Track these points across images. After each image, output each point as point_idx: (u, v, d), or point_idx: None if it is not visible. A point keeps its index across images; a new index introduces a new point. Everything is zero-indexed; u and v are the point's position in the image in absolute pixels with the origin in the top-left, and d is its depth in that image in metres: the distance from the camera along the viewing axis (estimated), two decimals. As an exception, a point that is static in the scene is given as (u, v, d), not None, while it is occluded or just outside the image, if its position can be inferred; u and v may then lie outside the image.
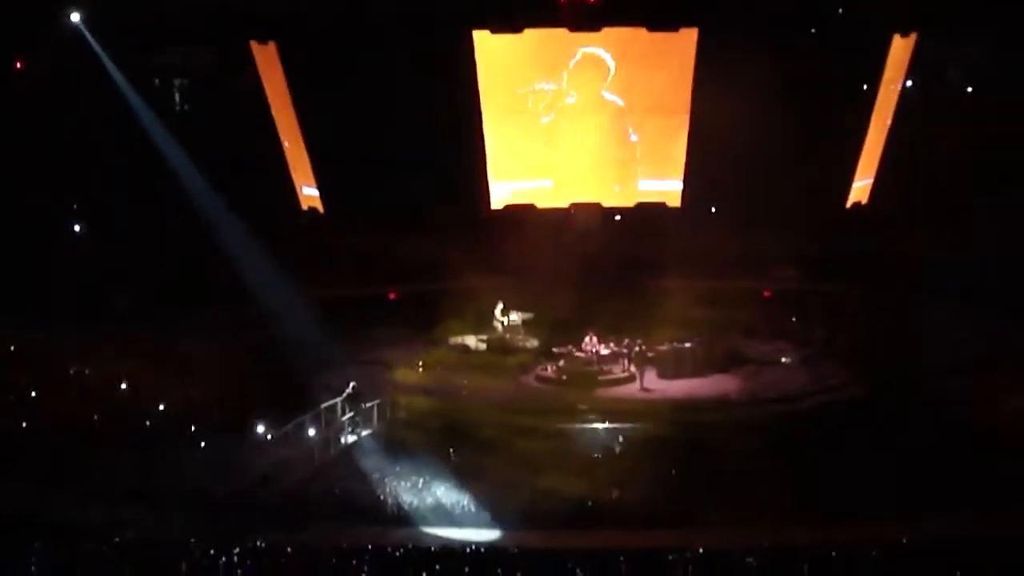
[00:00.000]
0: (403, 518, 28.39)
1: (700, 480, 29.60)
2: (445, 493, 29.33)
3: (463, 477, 29.93)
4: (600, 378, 40.22)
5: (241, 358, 39.41)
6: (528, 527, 27.72)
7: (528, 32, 41.13)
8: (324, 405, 33.66)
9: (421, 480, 29.84)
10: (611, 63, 41.91)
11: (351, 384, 34.64)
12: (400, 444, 32.51)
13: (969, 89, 45.06)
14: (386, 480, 29.90)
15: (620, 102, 42.58)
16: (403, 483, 29.73)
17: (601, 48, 41.67)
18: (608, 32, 41.22)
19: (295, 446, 32.04)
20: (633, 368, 40.27)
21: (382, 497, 29.21)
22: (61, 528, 25.27)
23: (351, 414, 34.20)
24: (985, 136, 41.51)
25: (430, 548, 25.35)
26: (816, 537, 25.40)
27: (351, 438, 33.85)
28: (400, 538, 26.57)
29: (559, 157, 43.35)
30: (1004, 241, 41.26)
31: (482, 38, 40.82)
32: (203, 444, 31.88)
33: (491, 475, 30.14)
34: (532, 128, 43.06)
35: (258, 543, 23.74)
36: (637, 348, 40.12)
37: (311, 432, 32.79)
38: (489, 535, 27.53)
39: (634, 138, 43.30)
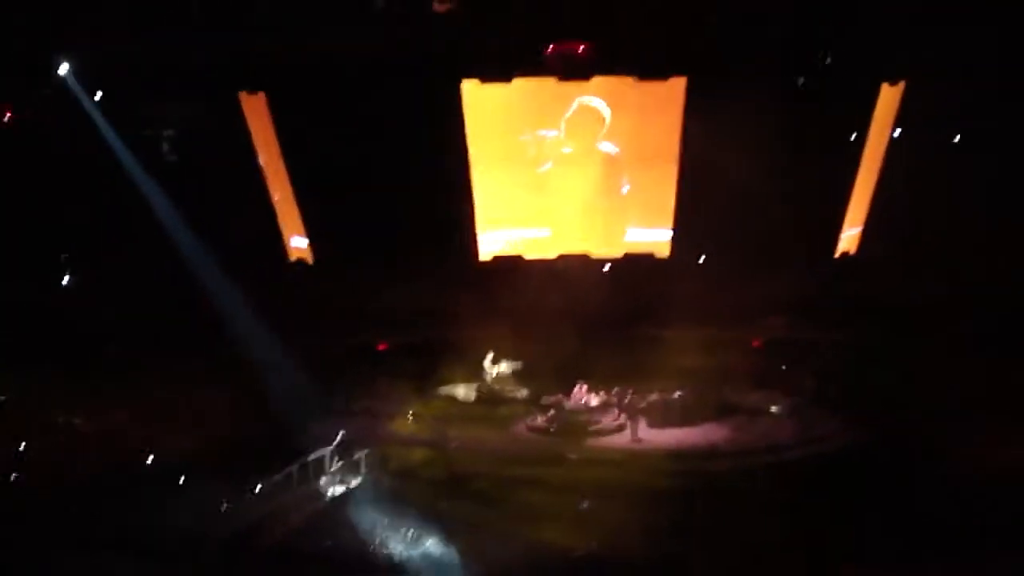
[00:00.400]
0: (393, 570, 28.23)
1: (690, 530, 29.47)
2: (435, 545, 29.17)
3: (453, 529, 29.79)
4: (590, 428, 40.12)
5: (230, 408, 39.25)
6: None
7: (518, 82, 41.07)
8: (312, 456, 33.51)
9: (411, 532, 29.68)
10: (606, 113, 41.88)
11: (340, 434, 34.51)
12: (389, 495, 32.35)
13: (958, 138, 45.07)
14: (375, 531, 29.75)
15: (614, 152, 42.51)
16: (392, 535, 29.59)
17: (596, 97, 41.61)
18: (601, 82, 41.20)
19: (283, 497, 31.85)
20: (623, 418, 40.23)
21: (371, 549, 29.07)
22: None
23: (339, 464, 34.05)
24: (974, 184, 41.53)
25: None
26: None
27: (339, 489, 33.67)
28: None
29: (549, 207, 43.32)
30: (994, 287, 41.37)
31: (472, 87, 40.77)
32: (191, 494, 31.64)
33: (482, 526, 30.03)
34: (523, 178, 43.03)
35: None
36: (629, 398, 40.03)
37: (299, 483, 32.64)
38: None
39: (625, 188, 43.26)
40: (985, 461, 32.36)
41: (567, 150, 42.60)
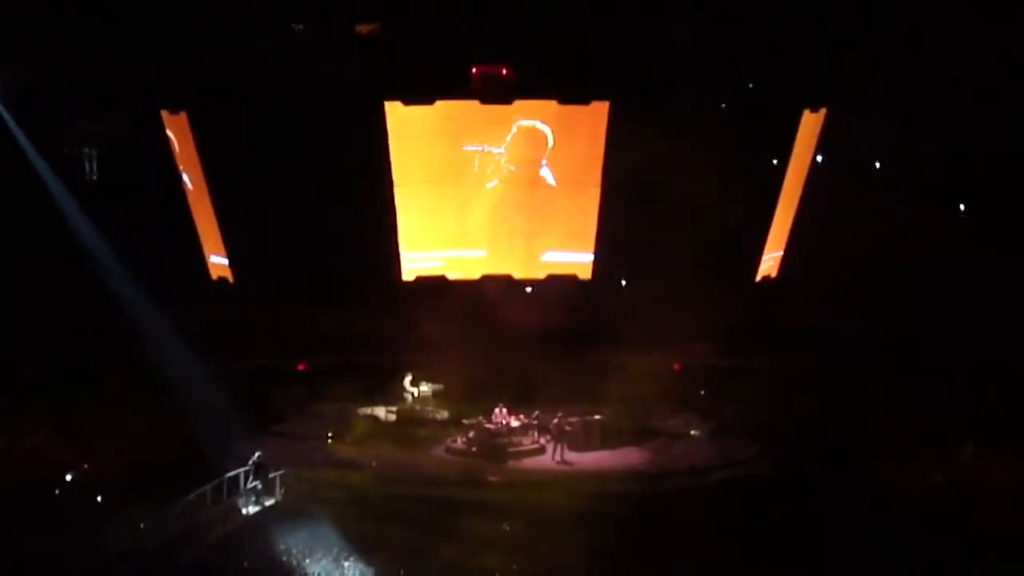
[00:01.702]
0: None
1: (609, 552, 29.55)
2: (351, 565, 29.10)
3: (371, 549, 29.75)
4: (510, 450, 40.12)
5: (149, 428, 39.00)
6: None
7: (444, 104, 41.11)
8: (228, 475, 33.34)
9: (327, 552, 29.61)
10: (549, 134, 41.91)
11: (256, 454, 34.35)
12: (305, 515, 32.25)
13: (877, 164, 45.49)
14: (290, 551, 29.65)
15: (549, 177, 42.55)
16: (307, 555, 29.50)
17: (534, 120, 41.65)
18: (536, 105, 41.27)
19: (197, 516, 31.67)
20: (543, 440, 40.30)
21: (285, 568, 28.96)
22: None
23: (255, 484, 33.92)
24: (893, 209, 41.92)
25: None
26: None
27: (254, 508, 33.54)
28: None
29: (471, 228, 43.25)
30: (913, 313, 41.79)
31: (396, 109, 40.75)
32: (107, 514, 31.41)
33: (400, 548, 30.00)
34: (446, 199, 42.96)
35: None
36: (554, 420, 40.07)
37: (214, 502, 32.48)
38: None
39: (547, 210, 43.31)
40: (901, 487, 32.66)
41: (507, 170, 42.43)
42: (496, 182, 42.61)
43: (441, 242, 43.73)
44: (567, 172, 42.42)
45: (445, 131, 42.06)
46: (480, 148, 42.16)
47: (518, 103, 41.11)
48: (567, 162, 42.32)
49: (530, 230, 43.47)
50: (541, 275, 43.75)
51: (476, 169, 42.35)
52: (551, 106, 41.22)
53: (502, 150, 42.17)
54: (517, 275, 43.78)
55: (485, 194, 42.84)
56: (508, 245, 44.09)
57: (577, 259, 43.52)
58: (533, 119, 41.64)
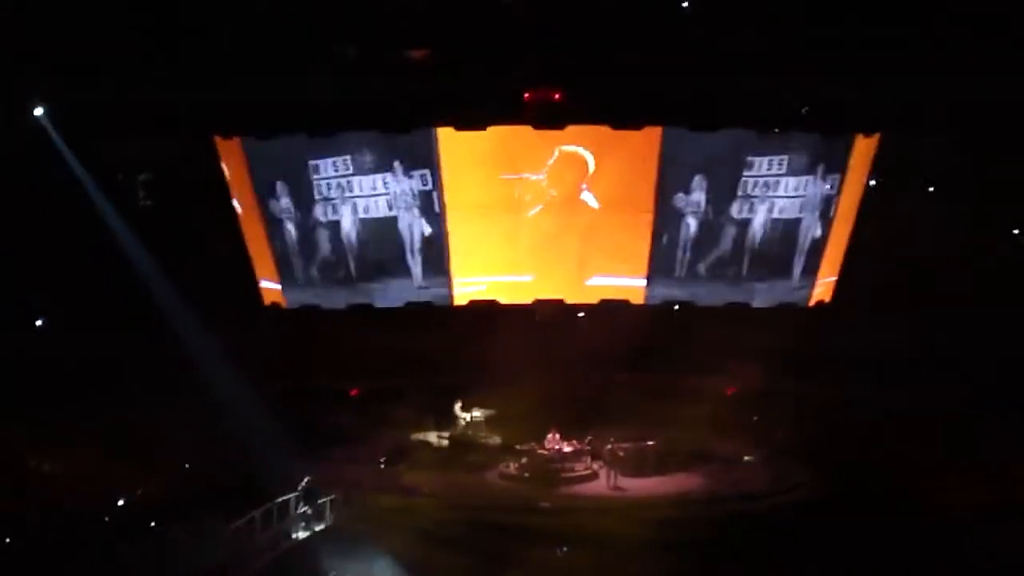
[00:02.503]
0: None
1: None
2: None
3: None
4: (563, 476, 40.01)
5: (200, 452, 39.10)
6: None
7: (495, 129, 41.02)
8: (278, 500, 33.36)
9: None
10: (590, 159, 41.69)
11: (305, 479, 34.36)
12: (355, 541, 32.20)
13: (932, 189, 45.28)
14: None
15: (591, 199, 42.34)
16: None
17: (575, 145, 41.48)
18: (580, 131, 41.14)
19: (246, 541, 31.68)
20: (596, 466, 40.20)
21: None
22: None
23: (304, 509, 33.92)
24: (948, 234, 41.68)
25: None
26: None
27: (303, 534, 33.53)
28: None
29: (523, 254, 43.08)
30: (967, 339, 41.44)
31: (447, 135, 40.73)
32: (155, 538, 31.42)
33: (450, 573, 29.90)
34: (498, 224, 42.86)
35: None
36: (608, 446, 39.95)
37: (263, 527, 32.49)
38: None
39: (597, 235, 43.12)
40: (955, 514, 32.33)
41: (551, 194, 42.23)
42: (539, 207, 42.33)
43: (489, 267, 43.52)
44: (616, 197, 42.17)
45: (491, 156, 41.96)
46: (517, 176, 41.88)
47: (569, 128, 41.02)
48: (615, 187, 42.08)
49: (580, 255, 43.18)
50: (593, 300, 43.47)
51: (517, 195, 42.12)
52: (596, 131, 40.99)
53: (543, 176, 41.95)
54: (569, 299, 43.52)
55: (529, 219, 42.63)
56: (561, 271, 43.84)
57: (629, 283, 43.24)
58: (576, 144, 41.42)
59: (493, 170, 41.53)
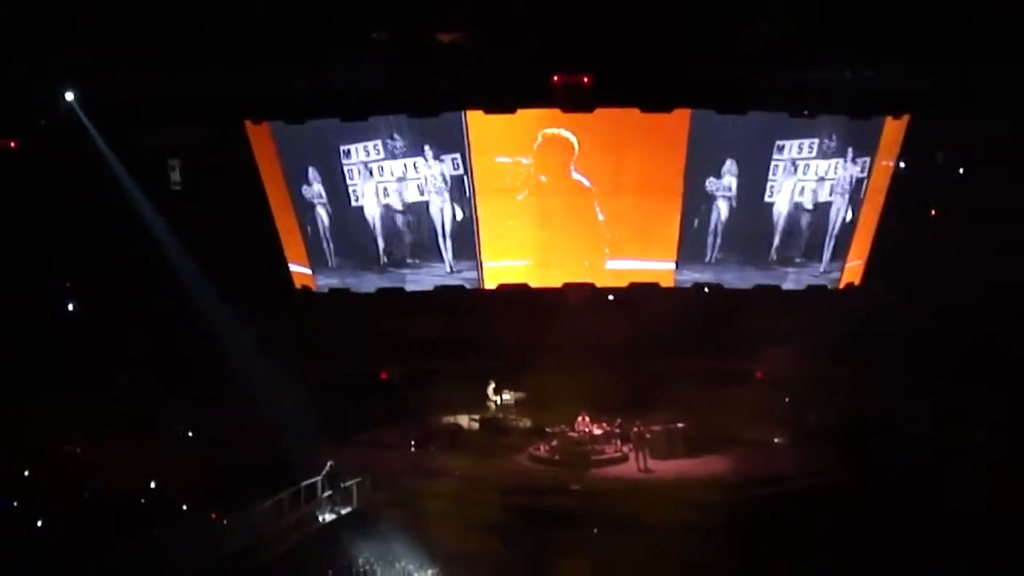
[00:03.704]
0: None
1: (689, 560, 29.41)
2: (427, 573, 29.12)
3: (450, 558, 29.75)
4: (593, 458, 40.10)
5: (232, 436, 39.26)
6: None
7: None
8: (304, 483, 33.54)
9: (404, 561, 29.62)
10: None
11: (328, 464, 34.52)
12: (382, 524, 32.32)
13: (961, 170, 45.18)
14: (364, 560, 29.71)
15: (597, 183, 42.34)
16: (384, 563, 29.53)
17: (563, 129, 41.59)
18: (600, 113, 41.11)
19: (272, 523, 31.88)
20: (626, 448, 40.26)
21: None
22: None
23: (329, 493, 34.08)
24: (978, 216, 41.58)
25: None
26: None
27: (330, 516, 33.70)
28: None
29: (549, 237, 43.10)
30: (998, 321, 41.32)
31: (476, 118, 40.78)
32: (184, 521, 31.62)
33: (480, 556, 29.97)
34: (527, 207, 42.84)
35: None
36: (636, 429, 40.03)
37: (290, 510, 32.69)
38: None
39: (629, 218, 43.09)
40: (986, 497, 32.26)
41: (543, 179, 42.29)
42: (565, 191, 42.34)
43: (518, 251, 43.53)
44: (645, 179, 42.16)
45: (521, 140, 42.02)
46: (512, 160, 41.90)
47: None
48: (645, 169, 42.07)
49: (610, 238, 43.17)
50: (623, 283, 43.48)
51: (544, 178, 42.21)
52: (628, 113, 40.95)
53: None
54: (599, 283, 43.53)
55: (558, 202, 42.66)
56: (590, 254, 43.87)
57: (659, 267, 43.25)
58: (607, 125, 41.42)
59: (523, 152, 41.55)
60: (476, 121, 40.59)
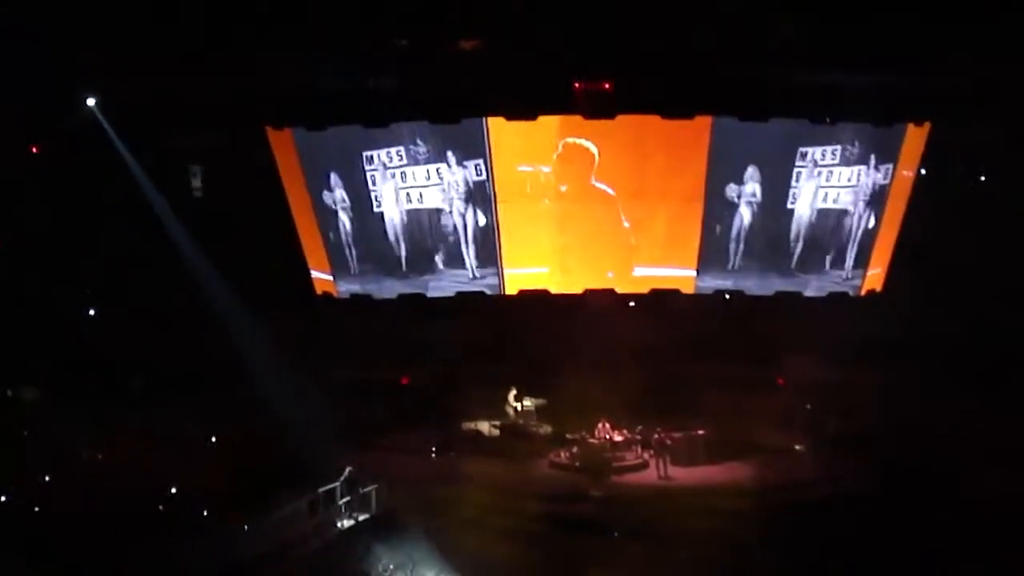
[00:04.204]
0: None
1: (709, 568, 29.39)
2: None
3: (469, 564, 29.73)
4: (614, 465, 40.09)
5: (252, 441, 39.28)
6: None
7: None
8: (323, 489, 33.58)
9: (424, 567, 29.61)
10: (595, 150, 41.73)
11: (347, 469, 34.56)
12: (400, 530, 32.34)
13: (983, 178, 45.11)
14: (382, 567, 29.71)
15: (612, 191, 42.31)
16: (403, 570, 29.53)
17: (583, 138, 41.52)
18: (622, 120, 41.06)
19: (291, 529, 31.92)
20: (646, 455, 40.26)
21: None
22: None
23: (347, 499, 34.12)
24: (999, 223, 41.48)
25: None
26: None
27: (348, 522, 33.73)
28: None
29: (569, 243, 43.03)
30: (1021, 327, 41.20)
31: (497, 124, 40.78)
32: (203, 526, 31.68)
33: (500, 562, 29.97)
34: (548, 213, 42.81)
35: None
36: (657, 436, 40.01)
37: (309, 516, 32.73)
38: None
39: (649, 225, 43.03)
40: (1011, 505, 32.16)
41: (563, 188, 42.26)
42: (576, 198, 42.32)
43: (539, 257, 43.50)
44: (667, 187, 42.13)
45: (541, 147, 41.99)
46: (533, 168, 41.89)
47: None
48: (666, 176, 42.02)
49: (631, 245, 43.10)
50: (644, 289, 43.44)
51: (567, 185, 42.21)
52: (649, 120, 40.90)
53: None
54: (620, 289, 43.48)
55: (578, 209, 42.60)
56: (610, 260, 43.81)
57: (679, 274, 43.19)
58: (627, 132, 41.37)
59: (543, 160, 41.53)
60: (497, 128, 40.55)
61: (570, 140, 40.93)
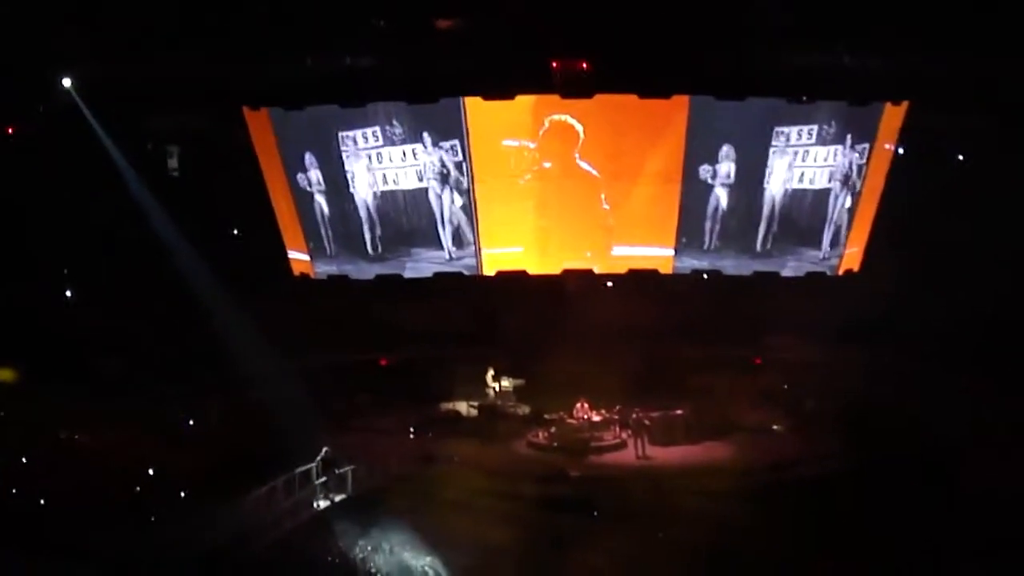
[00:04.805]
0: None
1: (687, 548, 29.39)
2: (426, 561, 29.06)
3: (447, 545, 29.71)
4: (592, 445, 40.10)
5: (230, 423, 39.25)
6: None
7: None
8: (299, 469, 33.55)
9: (400, 547, 29.60)
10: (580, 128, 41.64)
11: (324, 449, 34.54)
12: (377, 510, 32.30)
13: (961, 157, 45.13)
14: (358, 546, 29.68)
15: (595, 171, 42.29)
16: (379, 550, 29.50)
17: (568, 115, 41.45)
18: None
19: (267, 510, 31.90)
20: (624, 435, 40.26)
21: (352, 564, 28.97)
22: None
23: (322, 479, 34.09)
24: (977, 203, 41.49)
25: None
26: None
27: (324, 503, 33.72)
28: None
29: (548, 223, 43.02)
30: (997, 308, 41.24)
31: (474, 104, 40.69)
32: (180, 507, 31.62)
33: (477, 542, 29.94)
34: (526, 193, 42.74)
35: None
36: (635, 415, 40.02)
37: (284, 496, 32.71)
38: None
39: (627, 205, 42.97)
40: (986, 482, 32.21)
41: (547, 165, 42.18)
42: (552, 177, 42.29)
43: (517, 238, 43.47)
44: (646, 166, 42.10)
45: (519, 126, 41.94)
46: (518, 143, 41.81)
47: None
48: (645, 156, 42.00)
49: (608, 225, 43.09)
50: (622, 270, 43.43)
51: (545, 165, 42.13)
52: (629, 99, 40.83)
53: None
54: (598, 269, 43.48)
55: (556, 189, 42.58)
56: (588, 240, 43.76)
57: (657, 253, 43.20)
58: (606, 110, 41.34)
59: (529, 136, 41.45)
60: (478, 107, 40.48)
61: (556, 117, 40.93)
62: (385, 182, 42.71)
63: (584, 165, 41.60)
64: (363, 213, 43.30)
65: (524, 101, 40.64)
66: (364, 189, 42.97)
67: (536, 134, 41.25)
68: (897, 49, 38.65)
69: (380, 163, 42.31)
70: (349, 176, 42.76)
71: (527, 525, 31.01)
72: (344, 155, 42.37)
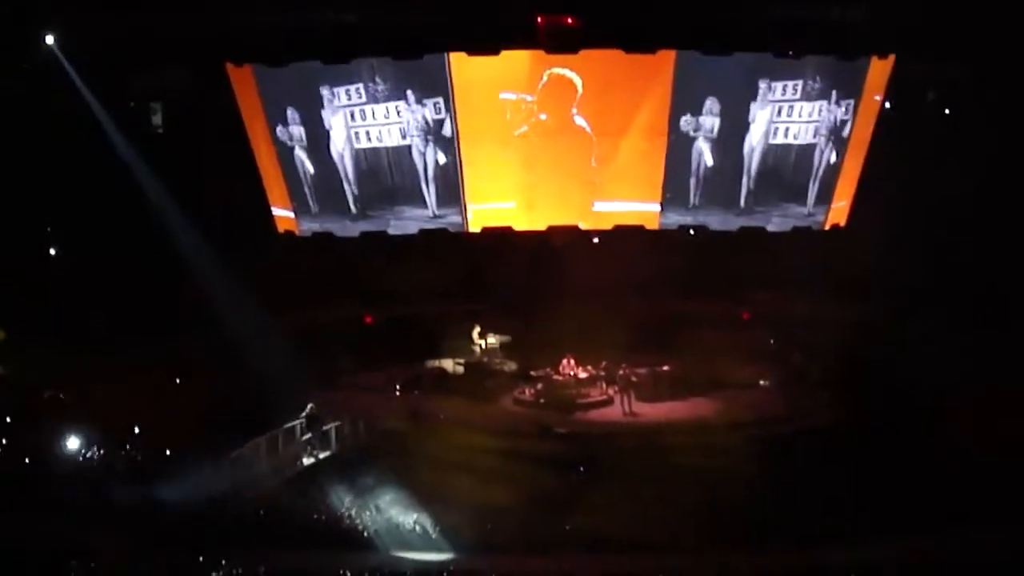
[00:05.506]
0: (359, 542, 28.04)
1: (674, 503, 29.34)
2: (405, 517, 29.01)
3: (433, 501, 29.64)
4: (578, 401, 40.09)
5: (215, 380, 39.12)
6: (499, 551, 27.45)
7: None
8: (284, 427, 33.50)
9: (386, 504, 29.53)
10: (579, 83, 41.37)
11: (308, 406, 34.47)
12: (363, 467, 32.23)
13: (948, 111, 44.98)
14: (347, 504, 29.63)
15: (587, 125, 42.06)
16: (365, 507, 29.44)
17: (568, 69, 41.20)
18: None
19: (251, 467, 31.86)
20: (611, 391, 40.24)
21: (337, 520, 28.92)
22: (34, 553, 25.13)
23: (307, 436, 34.03)
24: (963, 157, 41.40)
25: (404, 573, 25.26)
26: (794, 560, 25.26)
27: (308, 460, 33.67)
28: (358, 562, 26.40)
29: (534, 178, 42.83)
30: (984, 263, 41.23)
31: (459, 60, 40.45)
32: (165, 465, 31.56)
33: (463, 499, 29.88)
34: (511, 150, 42.53)
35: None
36: (622, 372, 39.99)
37: (268, 453, 32.68)
38: (457, 559, 27.20)
39: (613, 160, 42.79)
40: (974, 437, 32.18)
41: (543, 116, 41.82)
42: (553, 132, 41.99)
43: (502, 194, 43.28)
44: (633, 121, 41.91)
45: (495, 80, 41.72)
46: (517, 96, 41.57)
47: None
48: (628, 112, 41.81)
49: (594, 180, 42.89)
50: (608, 225, 43.29)
51: (531, 120, 41.89)
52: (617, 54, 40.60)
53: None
54: (584, 225, 43.32)
55: (541, 144, 42.35)
56: (574, 196, 43.59)
57: (643, 209, 43.04)
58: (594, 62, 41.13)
59: (528, 89, 41.22)
60: (465, 63, 40.20)
61: (556, 71, 40.64)
62: (368, 139, 42.45)
63: (580, 121, 41.24)
64: (346, 170, 43.08)
65: (522, 55, 40.25)
66: (347, 146, 42.72)
67: (535, 87, 40.85)
68: (884, 1, 38.48)
69: (363, 120, 42.07)
70: (332, 133, 42.48)
71: (514, 482, 30.90)
72: (327, 112, 42.10)
